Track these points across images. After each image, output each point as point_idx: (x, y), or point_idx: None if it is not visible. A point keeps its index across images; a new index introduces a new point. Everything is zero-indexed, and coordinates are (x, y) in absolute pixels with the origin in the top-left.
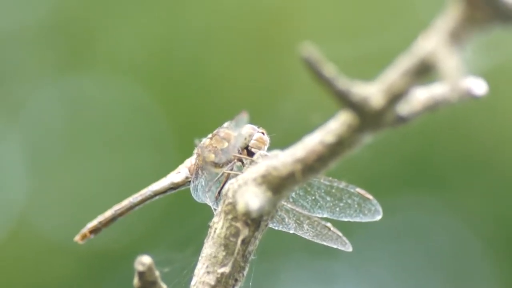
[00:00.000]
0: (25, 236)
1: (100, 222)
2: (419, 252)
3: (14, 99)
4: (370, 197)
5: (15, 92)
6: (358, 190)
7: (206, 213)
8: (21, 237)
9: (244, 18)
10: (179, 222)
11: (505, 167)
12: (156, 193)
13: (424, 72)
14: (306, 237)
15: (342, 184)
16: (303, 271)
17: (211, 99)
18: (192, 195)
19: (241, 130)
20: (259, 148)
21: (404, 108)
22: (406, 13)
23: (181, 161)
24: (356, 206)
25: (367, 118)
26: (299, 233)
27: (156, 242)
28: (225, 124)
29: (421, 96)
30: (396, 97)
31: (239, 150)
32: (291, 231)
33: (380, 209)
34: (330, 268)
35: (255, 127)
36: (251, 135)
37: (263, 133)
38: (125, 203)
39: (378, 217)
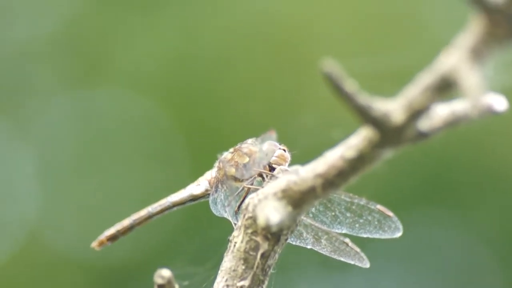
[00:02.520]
0: (37, 250)
1: (118, 231)
2: (435, 268)
3: (27, 112)
4: (391, 214)
5: (27, 105)
6: (379, 207)
7: (225, 227)
8: (33, 251)
9: (261, 33)
10: (192, 239)
11: None
12: (175, 204)
13: (445, 88)
14: (324, 253)
15: (363, 201)
16: (318, 285)
17: (226, 113)
18: (211, 208)
19: (262, 147)
20: (280, 165)
21: (425, 124)
22: (428, 29)
23: (194, 175)
24: (376, 222)
25: (388, 133)
26: (317, 248)
27: (169, 258)
28: (249, 141)
29: (442, 112)
30: (417, 113)
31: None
32: (309, 246)
33: (401, 226)
34: (345, 282)
35: (277, 143)
36: (272, 152)
37: (284, 150)
38: (144, 212)
39: (398, 234)
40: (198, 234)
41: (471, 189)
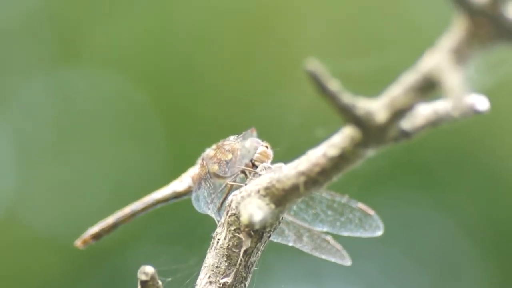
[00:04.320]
0: (14, 228)
1: (102, 229)
2: (409, 249)
3: (3, 91)
4: (372, 212)
5: (4, 84)
6: (360, 205)
7: (206, 221)
8: (9, 228)
9: (239, 14)
10: (167, 219)
11: (495, 165)
12: (158, 201)
13: (428, 88)
14: (305, 250)
15: (344, 199)
16: (294, 269)
17: (203, 96)
18: (194, 204)
19: (245, 143)
20: (263, 162)
21: (408, 123)
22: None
23: (170, 154)
24: (357, 221)
25: (371, 132)
26: (298, 245)
27: (146, 239)
28: (232, 138)
29: (424, 111)
30: (400, 112)
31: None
32: (290, 244)
33: (381, 225)
34: (320, 264)
35: (259, 140)
36: (255, 149)
37: (267, 147)
38: (128, 210)
39: (379, 233)
40: (173, 215)
41: (445, 170)
